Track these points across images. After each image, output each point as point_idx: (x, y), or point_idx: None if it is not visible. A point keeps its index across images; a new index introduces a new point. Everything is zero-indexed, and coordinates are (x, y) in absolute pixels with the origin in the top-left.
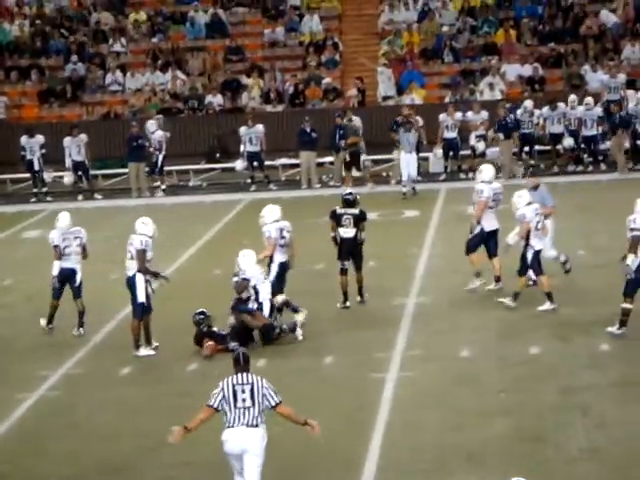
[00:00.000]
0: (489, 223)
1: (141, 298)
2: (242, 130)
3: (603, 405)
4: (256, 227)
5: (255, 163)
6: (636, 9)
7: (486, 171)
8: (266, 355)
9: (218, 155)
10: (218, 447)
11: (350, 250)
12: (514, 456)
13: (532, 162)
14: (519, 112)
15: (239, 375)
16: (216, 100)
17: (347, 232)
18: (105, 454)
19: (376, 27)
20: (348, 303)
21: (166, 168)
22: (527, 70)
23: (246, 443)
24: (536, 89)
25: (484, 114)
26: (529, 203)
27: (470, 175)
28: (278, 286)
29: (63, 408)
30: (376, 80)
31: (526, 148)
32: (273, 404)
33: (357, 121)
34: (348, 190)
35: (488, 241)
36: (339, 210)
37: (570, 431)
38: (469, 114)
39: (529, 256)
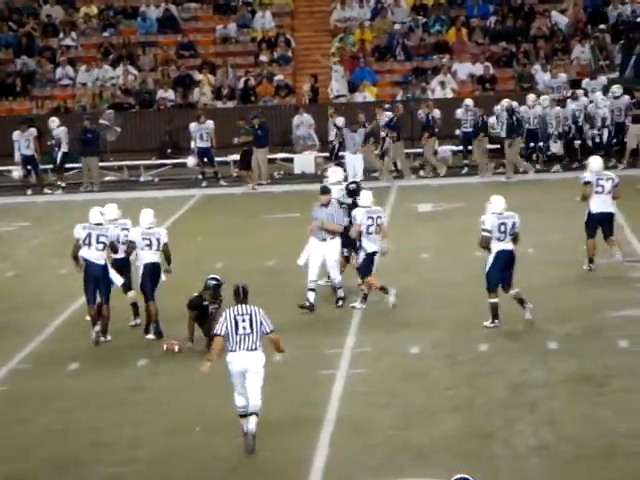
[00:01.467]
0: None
1: (119, 281)
2: (192, 126)
3: (552, 402)
4: (208, 223)
5: (205, 159)
6: (586, 9)
7: (332, 175)
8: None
9: (169, 151)
10: (166, 445)
11: (346, 238)
12: (463, 453)
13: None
14: (459, 111)
15: (239, 306)
16: (168, 96)
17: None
18: (53, 450)
19: (328, 24)
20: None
21: (118, 163)
22: (478, 69)
23: (247, 364)
24: (487, 88)
25: (437, 113)
26: (364, 205)
27: (422, 172)
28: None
29: (11, 404)
30: (329, 77)
31: (469, 147)
32: (268, 331)
33: (308, 118)
34: (351, 180)
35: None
36: (341, 199)
37: (519, 428)
38: (421, 112)
39: (360, 257)
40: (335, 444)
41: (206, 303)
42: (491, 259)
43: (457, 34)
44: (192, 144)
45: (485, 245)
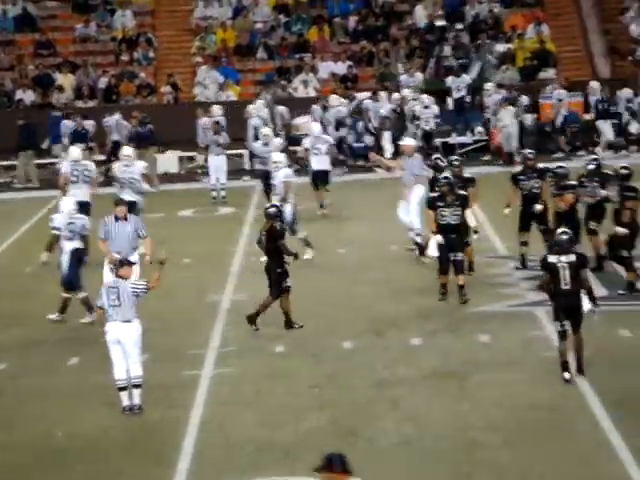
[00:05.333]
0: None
1: None
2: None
3: (414, 398)
4: None
5: None
6: (444, 8)
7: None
8: (80, 351)
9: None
10: (38, 429)
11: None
12: (327, 451)
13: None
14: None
15: (112, 280)
16: (27, 96)
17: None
18: None
19: (189, 23)
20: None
21: None
22: (340, 68)
23: (122, 335)
24: (349, 87)
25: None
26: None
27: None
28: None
29: None
30: (191, 77)
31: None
32: (140, 295)
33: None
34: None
35: None
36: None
37: (382, 425)
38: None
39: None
40: (200, 445)
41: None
42: (66, 257)
43: (319, 33)
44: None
45: (51, 244)
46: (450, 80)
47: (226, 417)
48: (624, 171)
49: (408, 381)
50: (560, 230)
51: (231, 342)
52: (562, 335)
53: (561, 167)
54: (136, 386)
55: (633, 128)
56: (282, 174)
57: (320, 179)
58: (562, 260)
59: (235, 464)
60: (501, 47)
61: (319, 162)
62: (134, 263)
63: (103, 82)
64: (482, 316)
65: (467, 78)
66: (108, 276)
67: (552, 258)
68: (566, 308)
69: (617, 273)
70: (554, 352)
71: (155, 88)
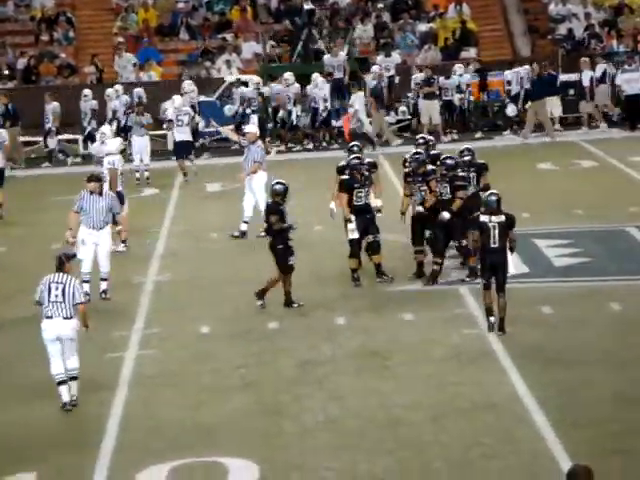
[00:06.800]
0: None
1: None
2: None
3: (339, 377)
4: None
5: None
6: None
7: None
8: (8, 332)
9: None
10: None
11: None
12: (253, 430)
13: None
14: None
15: (56, 274)
16: None
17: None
18: None
19: (110, 2)
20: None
21: None
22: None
23: (61, 331)
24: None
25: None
26: None
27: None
28: None
29: None
30: (112, 57)
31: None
32: (77, 301)
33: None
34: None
35: None
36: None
37: (307, 404)
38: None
39: None
40: (124, 427)
41: (282, 207)
42: None
43: (241, 13)
44: None
45: None
46: (379, 59)
47: (150, 399)
48: (449, 161)
49: (333, 360)
50: (489, 191)
51: (155, 323)
52: (486, 286)
53: (450, 157)
54: (73, 378)
55: (510, 110)
56: (106, 161)
57: (183, 149)
58: (493, 220)
59: (158, 445)
60: (423, 27)
61: (181, 133)
62: (74, 256)
63: (22, 63)
64: (405, 295)
65: (397, 57)
66: (84, 249)
67: (484, 218)
68: (492, 264)
69: (541, 252)
70: (477, 329)
71: (76, 68)
